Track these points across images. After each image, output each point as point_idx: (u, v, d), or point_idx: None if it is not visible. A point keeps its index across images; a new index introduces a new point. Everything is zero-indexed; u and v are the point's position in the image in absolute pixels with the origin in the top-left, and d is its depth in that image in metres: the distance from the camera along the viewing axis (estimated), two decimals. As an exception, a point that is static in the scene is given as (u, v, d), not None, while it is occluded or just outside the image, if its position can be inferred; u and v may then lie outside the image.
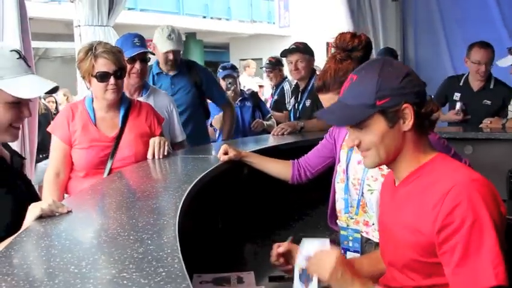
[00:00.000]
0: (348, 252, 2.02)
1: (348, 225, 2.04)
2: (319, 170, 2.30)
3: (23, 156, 1.99)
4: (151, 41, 3.52)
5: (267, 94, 8.74)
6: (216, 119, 4.26)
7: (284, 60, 4.53)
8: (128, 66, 2.89)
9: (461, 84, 4.09)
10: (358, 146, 1.43)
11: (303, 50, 3.83)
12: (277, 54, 4.75)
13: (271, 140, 3.19)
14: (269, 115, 4.86)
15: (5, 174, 1.69)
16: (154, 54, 3.47)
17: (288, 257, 1.64)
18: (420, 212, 1.33)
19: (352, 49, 2.01)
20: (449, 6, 5.57)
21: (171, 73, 3.59)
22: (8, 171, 1.72)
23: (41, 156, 4.42)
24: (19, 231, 1.41)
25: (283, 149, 2.89)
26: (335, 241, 1.90)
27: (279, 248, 1.64)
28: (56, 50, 15.48)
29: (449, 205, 1.25)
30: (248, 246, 2.33)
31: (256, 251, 2.27)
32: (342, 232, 2.05)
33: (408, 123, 1.37)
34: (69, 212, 1.52)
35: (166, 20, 15.34)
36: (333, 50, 2.10)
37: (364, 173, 1.97)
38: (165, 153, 2.49)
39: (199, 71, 3.72)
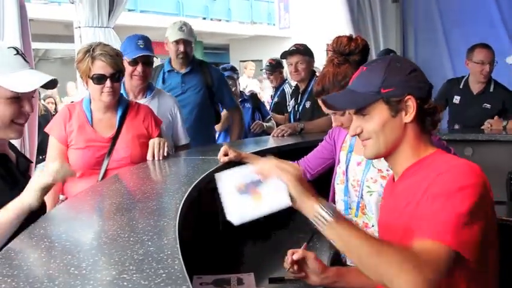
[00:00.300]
0: (348, 254, 2.02)
1: (348, 227, 2.04)
2: (319, 171, 2.31)
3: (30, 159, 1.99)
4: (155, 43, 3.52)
5: (264, 98, 8.72)
6: None
7: (284, 62, 4.53)
8: (131, 68, 2.91)
9: (461, 87, 4.08)
10: (359, 134, 1.46)
11: (303, 51, 3.83)
12: (277, 55, 4.74)
13: (271, 142, 3.19)
14: (269, 117, 4.87)
15: (9, 172, 1.70)
16: (157, 57, 3.45)
17: (301, 264, 1.64)
18: (412, 202, 1.35)
19: (349, 53, 2.01)
20: (449, 7, 5.57)
21: (182, 70, 3.58)
22: (11, 170, 1.72)
23: (40, 157, 4.41)
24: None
25: (283, 150, 2.89)
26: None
27: (294, 255, 1.64)
28: (56, 51, 15.50)
29: (438, 182, 1.29)
30: (248, 247, 2.33)
31: (256, 252, 2.27)
32: (342, 233, 2.05)
33: (410, 115, 1.40)
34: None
35: (167, 21, 15.36)
36: (329, 53, 2.10)
37: (364, 175, 1.97)
38: (165, 154, 2.49)
39: (211, 72, 3.69)
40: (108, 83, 2.41)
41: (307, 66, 3.80)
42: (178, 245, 1.25)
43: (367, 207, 1.97)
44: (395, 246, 1.22)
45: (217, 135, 4.33)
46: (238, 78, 4.81)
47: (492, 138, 3.57)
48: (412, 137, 1.42)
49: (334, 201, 2.14)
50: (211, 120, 3.78)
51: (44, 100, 6.91)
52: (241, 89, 5.39)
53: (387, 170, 1.88)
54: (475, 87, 4.02)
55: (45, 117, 5.61)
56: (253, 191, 1.34)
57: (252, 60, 11.62)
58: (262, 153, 2.52)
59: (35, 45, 4.37)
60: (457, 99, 4.08)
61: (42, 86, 1.71)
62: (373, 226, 1.94)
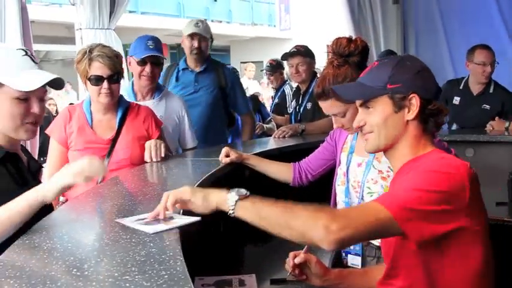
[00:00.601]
0: (349, 255, 2.02)
1: (349, 228, 2.04)
2: (320, 172, 2.31)
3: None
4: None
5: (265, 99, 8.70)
6: None
7: (285, 63, 4.53)
8: (139, 68, 2.90)
9: (461, 87, 4.07)
10: (362, 127, 1.49)
11: (304, 53, 3.83)
12: (278, 56, 4.74)
13: (272, 143, 3.19)
14: (269, 118, 4.86)
15: (19, 172, 1.71)
16: (166, 58, 3.43)
17: (303, 267, 1.63)
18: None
19: (349, 54, 2.01)
20: (450, 8, 5.57)
21: (197, 69, 3.54)
22: (22, 171, 1.73)
23: (41, 159, 4.42)
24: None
25: (285, 151, 2.89)
26: None
27: (296, 258, 1.62)
28: (57, 53, 15.53)
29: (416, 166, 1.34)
30: (250, 249, 2.33)
31: (258, 253, 2.27)
32: (343, 235, 2.05)
33: (412, 113, 1.42)
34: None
35: (167, 23, 15.41)
36: (329, 55, 2.10)
37: (364, 176, 1.97)
38: (162, 155, 2.46)
39: (226, 73, 3.64)
40: (105, 84, 2.40)
41: (308, 68, 3.80)
42: (180, 246, 1.25)
43: (368, 209, 1.97)
44: (309, 205, 1.26)
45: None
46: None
47: (493, 139, 3.57)
48: (412, 135, 1.44)
49: (335, 203, 2.15)
50: (222, 121, 3.70)
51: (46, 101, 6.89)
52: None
53: (387, 171, 1.89)
54: (475, 88, 4.01)
55: (47, 119, 5.59)
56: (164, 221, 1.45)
57: (252, 62, 11.64)
58: (264, 155, 2.53)
59: (36, 47, 4.38)
60: (456, 100, 4.07)
61: (50, 87, 1.72)
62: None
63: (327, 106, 2.02)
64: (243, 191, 1.36)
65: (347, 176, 2.05)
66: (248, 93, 5.73)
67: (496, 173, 3.29)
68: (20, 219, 1.50)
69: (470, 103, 4.00)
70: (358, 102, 1.52)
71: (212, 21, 17.59)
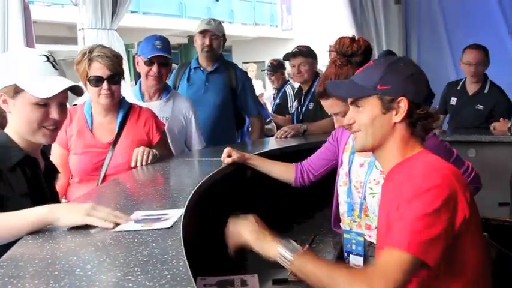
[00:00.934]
0: (351, 255, 2.02)
1: (351, 228, 2.04)
2: (322, 172, 2.31)
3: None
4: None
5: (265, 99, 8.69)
6: None
7: (286, 63, 4.53)
8: (146, 68, 2.88)
9: (458, 88, 4.13)
10: (351, 125, 1.51)
11: (306, 53, 3.83)
12: (280, 57, 4.74)
13: (274, 143, 3.19)
14: (268, 119, 4.86)
15: (35, 177, 1.70)
16: (173, 61, 3.40)
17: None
18: (393, 205, 1.37)
19: (351, 54, 2.01)
20: (453, 9, 5.57)
21: (208, 68, 3.52)
22: (38, 176, 1.73)
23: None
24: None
25: (287, 151, 2.89)
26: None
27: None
28: (59, 53, 15.49)
29: (407, 185, 1.33)
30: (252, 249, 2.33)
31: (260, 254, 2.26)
32: (345, 235, 2.05)
33: (399, 115, 1.43)
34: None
35: (169, 23, 15.41)
36: (332, 54, 2.10)
37: (366, 176, 1.97)
38: (149, 161, 2.38)
39: (237, 74, 3.62)
40: (105, 85, 2.37)
41: (310, 68, 3.81)
42: (182, 246, 1.26)
43: (369, 209, 1.97)
44: (345, 268, 1.34)
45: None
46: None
47: (496, 139, 3.56)
48: (399, 138, 1.45)
49: (337, 203, 2.15)
50: (231, 122, 3.67)
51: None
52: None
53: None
54: (471, 88, 4.07)
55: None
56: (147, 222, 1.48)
57: (254, 62, 11.62)
58: (266, 155, 2.53)
59: (38, 47, 4.39)
60: (454, 100, 4.13)
61: (71, 93, 1.73)
62: (375, 228, 1.94)
63: (328, 105, 2.03)
64: (294, 247, 1.42)
65: (349, 176, 2.05)
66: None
67: (498, 173, 3.28)
68: (16, 234, 1.41)
69: (465, 103, 4.06)
70: (349, 100, 1.53)
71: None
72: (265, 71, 6.14)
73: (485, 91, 3.98)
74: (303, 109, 3.87)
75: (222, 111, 3.51)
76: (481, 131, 3.77)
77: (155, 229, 1.40)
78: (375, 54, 5.21)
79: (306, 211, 2.71)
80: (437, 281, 1.34)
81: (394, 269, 1.23)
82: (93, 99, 2.46)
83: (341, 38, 2.06)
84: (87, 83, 2.40)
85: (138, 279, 1.06)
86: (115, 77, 2.40)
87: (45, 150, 1.92)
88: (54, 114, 1.68)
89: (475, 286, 1.38)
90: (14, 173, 1.64)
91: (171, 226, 1.43)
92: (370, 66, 1.52)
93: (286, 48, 4.53)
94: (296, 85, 4.71)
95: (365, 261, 1.98)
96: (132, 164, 2.37)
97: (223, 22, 3.82)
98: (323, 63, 3.65)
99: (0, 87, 1.65)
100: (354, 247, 2.01)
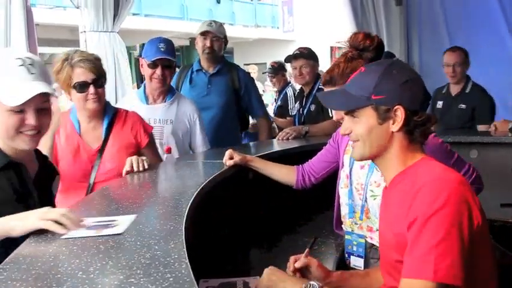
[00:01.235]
0: (352, 257, 2.02)
1: (352, 230, 2.04)
2: (323, 175, 2.31)
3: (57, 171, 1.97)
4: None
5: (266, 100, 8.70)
6: None
7: (287, 65, 4.53)
8: (150, 71, 2.87)
9: (443, 91, 4.20)
10: (349, 134, 1.48)
11: (307, 55, 3.83)
12: (282, 58, 4.74)
13: (276, 145, 3.20)
14: None
15: (22, 182, 1.69)
16: (177, 63, 3.36)
17: (304, 271, 1.62)
18: (399, 215, 1.35)
19: (363, 49, 2.03)
20: (454, 10, 5.56)
21: (210, 70, 3.51)
22: (25, 182, 1.71)
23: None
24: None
25: (288, 153, 2.90)
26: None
27: (296, 263, 1.61)
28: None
29: (416, 202, 1.29)
30: (254, 251, 2.33)
31: (262, 256, 2.27)
32: (346, 237, 2.06)
33: (397, 125, 1.40)
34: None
35: (171, 25, 15.44)
36: (344, 46, 2.12)
37: (367, 178, 1.97)
38: (141, 169, 2.32)
39: (240, 76, 3.60)
40: (91, 89, 2.32)
41: (311, 70, 3.80)
42: (185, 249, 1.26)
43: (370, 211, 1.97)
44: None
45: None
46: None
47: (497, 140, 3.56)
48: (398, 146, 1.42)
49: (339, 205, 2.15)
50: (235, 124, 3.66)
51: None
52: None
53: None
54: (454, 90, 4.13)
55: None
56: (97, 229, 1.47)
57: (256, 64, 11.64)
58: (267, 157, 2.53)
59: (40, 49, 4.39)
60: (440, 104, 4.19)
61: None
62: (377, 230, 1.94)
63: None
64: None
65: (350, 178, 2.05)
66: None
67: (500, 174, 3.28)
68: None
69: (450, 104, 4.12)
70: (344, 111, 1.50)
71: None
72: (267, 73, 6.14)
73: (467, 91, 4.05)
74: (305, 111, 3.86)
75: (226, 113, 3.49)
76: (483, 132, 3.76)
77: (107, 235, 1.39)
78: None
79: (308, 213, 2.72)
80: None
81: None
82: (79, 106, 2.40)
83: (356, 33, 2.09)
84: (72, 90, 2.34)
85: (141, 282, 1.06)
86: (99, 80, 2.36)
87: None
88: (30, 120, 1.63)
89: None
90: None
91: (123, 232, 1.41)
92: (362, 73, 1.47)
93: (287, 50, 4.53)
94: (297, 87, 4.71)
95: (366, 263, 1.99)
96: (124, 172, 2.30)
97: (224, 24, 3.81)
98: (324, 65, 3.66)
99: None
100: (355, 248, 2.01)
